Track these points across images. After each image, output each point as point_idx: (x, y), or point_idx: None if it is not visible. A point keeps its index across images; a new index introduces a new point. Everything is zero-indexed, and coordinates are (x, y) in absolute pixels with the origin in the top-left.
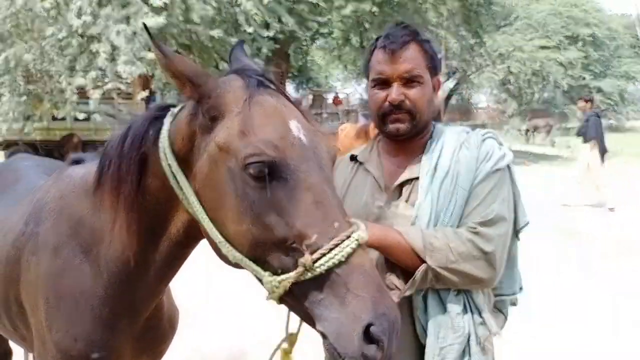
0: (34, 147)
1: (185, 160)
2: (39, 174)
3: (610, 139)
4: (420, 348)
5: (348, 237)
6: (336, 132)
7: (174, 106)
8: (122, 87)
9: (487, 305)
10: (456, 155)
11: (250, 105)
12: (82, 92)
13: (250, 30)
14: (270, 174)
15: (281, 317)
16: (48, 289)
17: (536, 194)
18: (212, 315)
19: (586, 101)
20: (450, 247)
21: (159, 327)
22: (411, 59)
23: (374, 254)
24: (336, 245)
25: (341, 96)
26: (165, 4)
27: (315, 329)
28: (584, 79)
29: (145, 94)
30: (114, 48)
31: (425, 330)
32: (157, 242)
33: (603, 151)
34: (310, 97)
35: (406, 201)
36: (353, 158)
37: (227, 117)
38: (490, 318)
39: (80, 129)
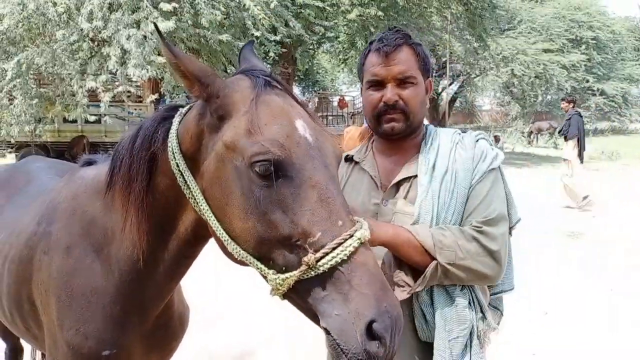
0: (45, 149)
1: (193, 159)
2: (50, 176)
3: (613, 141)
4: (419, 343)
5: (351, 235)
6: (341, 134)
7: (183, 107)
8: (132, 90)
9: (485, 301)
10: (453, 154)
11: (257, 105)
12: (92, 95)
13: (257, 34)
14: (276, 172)
15: (287, 316)
16: (60, 288)
17: (538, 195)
18: (220, 313)
19: (568, 102)
20: (458, 244)
21: (169, 325)
22: (404, 60)
23: (383, 251)
24: (339, 244)
25: (347, 99)
26: (174, 8)
27: (319, 325)
28: (587, 81)
29: (155, 96)
30: (125, 52)
31: (426, 325)
32: (166, 241)
33: (583, 150)
34: (316, 99)
35: (404, 198)
36: (348, 159)
37: (235, 116)
38: (489, 313)
39: (90, 131)
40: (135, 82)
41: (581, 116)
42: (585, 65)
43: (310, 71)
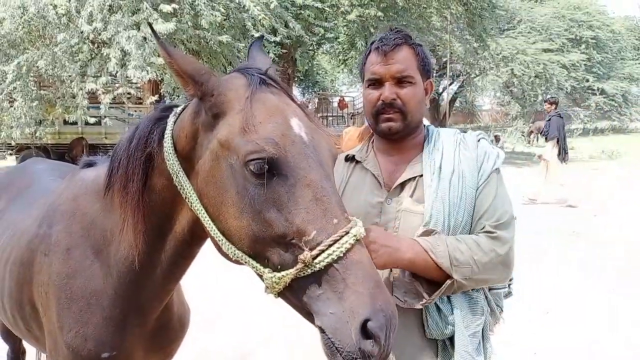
0: (45, 151)
1: (188, 158)
2: (52, 177)
3: (613, 140)
4: (423, 341)
5: (347, 232)
6: (340, 134)
7: (178, 107)
8: (132, 91)
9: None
10: (457, 155)
11: (252, 103)
12: (93, 97)
13: (257, 35)
14: (270, 170)
15: (285, 315)
16: (60, 290)
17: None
18: (218, 313)
19: (550, 103)
20: (474, 259)
21: (169, 326)
22: (403, 60)
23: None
24: (335, 242)
25: (346, 99)
26: (174, 10)
27: (313, 323)
28: (587, 80)
29: (155, 98)
30: (125, 53)
31: (441, 321)
32: (163, 242)
33: (564, 150)
34: (316, 100)
35: (411, 197)
36: (348, 158)
37: (229, 115)
38: (494, 307)
39: (91, 133)
40: (136, 83)
41: (561, 117)
42: (585, 64)
43: (310, 72)
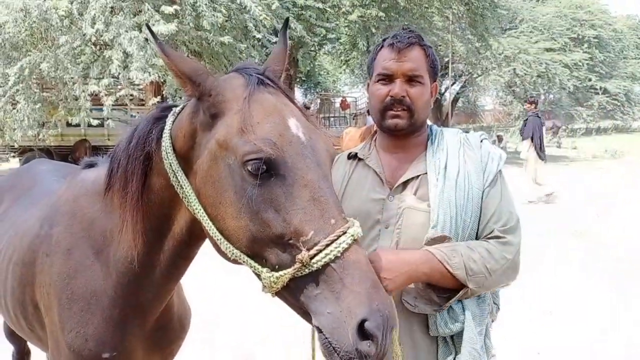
0: (48, 153)
1: (187, 158)
2: (55, 178)
3: (616, 139)
4: (424, 340)
5: (344, 232)
6: (341, 135)
7: (176, 107)
8: (135, 93)
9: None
10: (462, 155)
11: (250, 103)
12: (95, 99)
13: (259, 36)
14: (268, 171)
15: (282, 315)
16: (61, 290)
17: (543, 194)
18: (216, 313)
19: (530, 103)
20: (487, 267)
21: (170, 327)
22: (415, 59)
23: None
24: (332, 242)
25: (349, 100)
26: (176, 11)
27: (310, 323)
28: (589, 80)
29: (157, 99)
30: (127, 55)
31: (450, 319)
32: (162, 242)
33: (541, 149)
34: (318, 101)
35: (414, 195)
36: (351, 156)
37: (227, 115)
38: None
39: (94, 134)
40: (138, 85)
41: (539, 117)
42: (587, 63)
43: (312, 73)
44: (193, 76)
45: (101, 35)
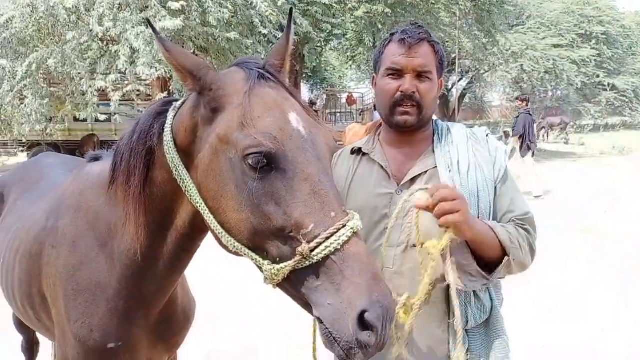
0: (56, 148)
1: (188, 152)
2: (61, 172)
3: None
4: (444, 332)
5: (344, 225)
6: (344, 131)
7: (178, 101)
8: (142, 88)
9: None
10: (471, 149)
11: (250, 98)
12: (102, 94)
13: (265, 32)
14: (268, 164)
15: (283, 305)
16: (66, 281)
17: (548, 190)
18: (218, 305)
19: (522, 100)
20: (519, 243)
21: (174, 318)
22: (424, 55)
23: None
24: (332, 234)
25: (355, 96)
26: (182, 7)
27: (312, 314)
28: (597, 76)
29: (164, 95)
30: (134, 51)
31: (479, 310)
32: (165, 235)
33: (527, 146)
34: (325, 97)
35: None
36: (354, 151)
37: (228, 109)
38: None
39: (101, 130)
40: (145, 80)
41: (530, 114)
42: (595, 60)
43: (319, 68)
44: (194, 71)
45: (108, 31)
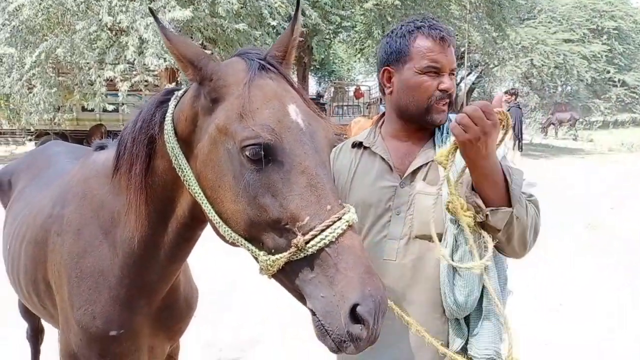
0: (64, 137)
1: (188, 142)
2: (69, 160)
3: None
4: (442, 322)
5: (339, 218)
6: (349, 124)
7: (180, 90)
8: (150, 79)
9: None
10: None
11: (250, 89)
12: (110, 84)
13: (274, 23)
14: (266, 156)
15: (278, 296)
16: (70, 269)
17: (555, 187)
18: (220, 292)
19: (510, 94)
20: (526, 206)
21: (176, 306)
22: (453, 52)
23: (462, 177)
24: (327, 227)
25: (363, 89)
26: None
27: (305, 305)
28: (608, 72)
29: (172, 85)
30: (142, 41)
31: (486, 300)
32: (165, 224)
33: (519, 140)
34: (332, 89)
35: (424, 180)
36: (355, 145)
37: (227, 100)
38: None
39: (109, 120)
40: (153, 71)
41: (520, 108)
42: (606, 55)
43: (327, 61)
44: (195, 60)
45: (118, 23)
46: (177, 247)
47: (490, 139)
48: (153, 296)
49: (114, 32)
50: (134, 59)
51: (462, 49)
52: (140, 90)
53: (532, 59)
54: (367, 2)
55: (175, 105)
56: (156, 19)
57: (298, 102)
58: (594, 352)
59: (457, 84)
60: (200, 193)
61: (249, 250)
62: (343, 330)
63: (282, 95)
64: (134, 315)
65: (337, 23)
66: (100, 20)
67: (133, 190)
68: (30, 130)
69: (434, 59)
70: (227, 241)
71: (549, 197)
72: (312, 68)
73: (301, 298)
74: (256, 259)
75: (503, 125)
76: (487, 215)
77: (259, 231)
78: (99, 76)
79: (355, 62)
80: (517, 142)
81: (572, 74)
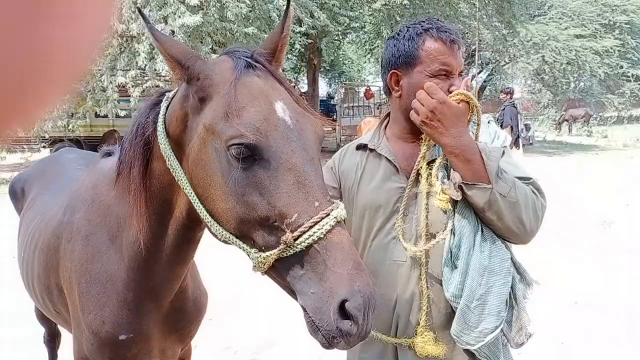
0: (78, 144)
1: (179, 142)
2: (80, 167)
3: None
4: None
5: (327, 214)
6: (359, 125)
7: (172, 91)
8: (161, 84)
9: None
10: (472, 131)
11: (236, 87)
12: (122, 90)
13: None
14: (252, 155)
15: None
16: (80, 274)
17: (569, 184)
18: (237, 297)
19: (506, 93)
20: (515, 184)
21: (185, 309)
22: (461, 53)
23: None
24: (316, 223)
25: (373, 89)
26: (201, 2)
27: (297, 301)
28: (621, 67)
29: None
30: (153, 47)
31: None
32: (166, 226)
33: (516, 136)
34: (342, 90)
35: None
36: (360, 147)
37: (214, 99)
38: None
39: (122, 125)
40: (164, 77)
41: (515, 107)
42: (618, 50)
43: (336, 62)
44: (182, 60)
45: (128, 30)
46: (179, 249)
47: (443, 117)
48: (161, 299)
49: (125, 39)
50: (145, 65)
51: (473, 47)
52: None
53: (543, 56)
54: (375, 2)
55: (167, 107)
56: (145, 19)
57: (286, 99)
58: (610, 351)
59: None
60: (192, 193)
61: (240, 247)
62: (333, 326)
63: (269, 92)
64: (142, 319)
65: (345, 24)
66: (111, 27)
67: (133, 193)
68: (44, 137)
69: (445, 62)
70: (219, 239)
71: (564, 193)
72: (322, 69)
73: (293, 294)
74: (248, 256)
75: (472, 107)
76: (463, 190)
77: (249, 229)
78: (110, 82)
79: (365, 62)
80: (515, 139)
81: (585, 69)
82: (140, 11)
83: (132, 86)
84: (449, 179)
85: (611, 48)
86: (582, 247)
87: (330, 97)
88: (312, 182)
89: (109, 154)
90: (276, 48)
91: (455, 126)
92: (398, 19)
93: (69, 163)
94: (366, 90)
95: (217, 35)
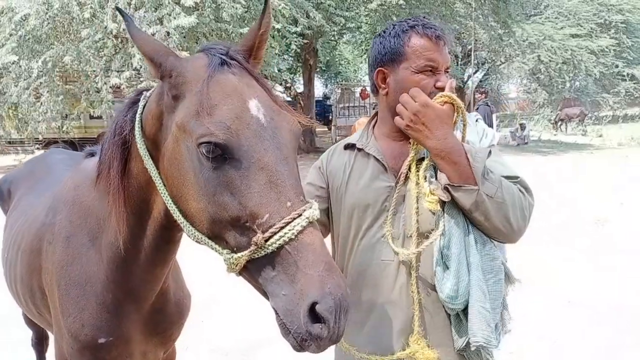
0: (72, 145)
1: (155, 141)
2: (66, 167)
3: None
4: (444, 318)
5: (299, 215)
6: (353, 125)
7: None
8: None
9: None
10: (460, 130)
11: (209, 85)
12: (117, 91)
13: (278, 26)
14: (222, 154)
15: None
16: (60, 276)
17: (563, 183)
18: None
19: (481, 93)
20: (502, 184)
21: (166, 312)
22: (447, 50)
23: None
24: (287, 224)
25: (369, 89)
26: (196, 3)
27: (270, 304)
28: (616, 66)
29: None
30: None
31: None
32: (144, 226)
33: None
34: (339, 91)
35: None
36: (348, 146)
37: (187, 97)
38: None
39: None
40: None
41: (489, 106)
42: (614, 49)
43: (332, 62)
44: (155, 57)
45: (123, 30)
46: (158, 249)
47: (427, 119)
48: (141, 301)
49: (119, 40)
50: (140, 66)
51: (469, 47)
52: None
53: (539, 55)
54: (371, 2)
55: (144, 105)
56: (123, 15)
57: (261, 97)
58: (603, 350)
59: (465, 82)
60: (165, 192)
61: (212, 248)
62: (303, 329)
63: (244, 90)
64: (122, 322)
65: (341, 24)
66: (105, 28)
67: (112, 193)
68: (38, 139)
69: (431, 58)
70: (192, 239)
71: (558, 193)
72: (318, 70)
73: (267, 296)
74: (221, 257)
75: (456, 108)
76: (450, 192)
77: (221, 229)
78: (105, 83)
79: (361, 63)
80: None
81: (580, 69)
82: (118, 9)
83: (127, 87)
84: (436, 178)
85: (607, 47)
86: (575, 246)
87: (326, 97)
88: (284, 182)
89: (92, 155)
90: (253, 45)
91: (440, 128)
92: (394, 18)
93: (56, 164)
94: (362, 90)
95: (212, 36)
